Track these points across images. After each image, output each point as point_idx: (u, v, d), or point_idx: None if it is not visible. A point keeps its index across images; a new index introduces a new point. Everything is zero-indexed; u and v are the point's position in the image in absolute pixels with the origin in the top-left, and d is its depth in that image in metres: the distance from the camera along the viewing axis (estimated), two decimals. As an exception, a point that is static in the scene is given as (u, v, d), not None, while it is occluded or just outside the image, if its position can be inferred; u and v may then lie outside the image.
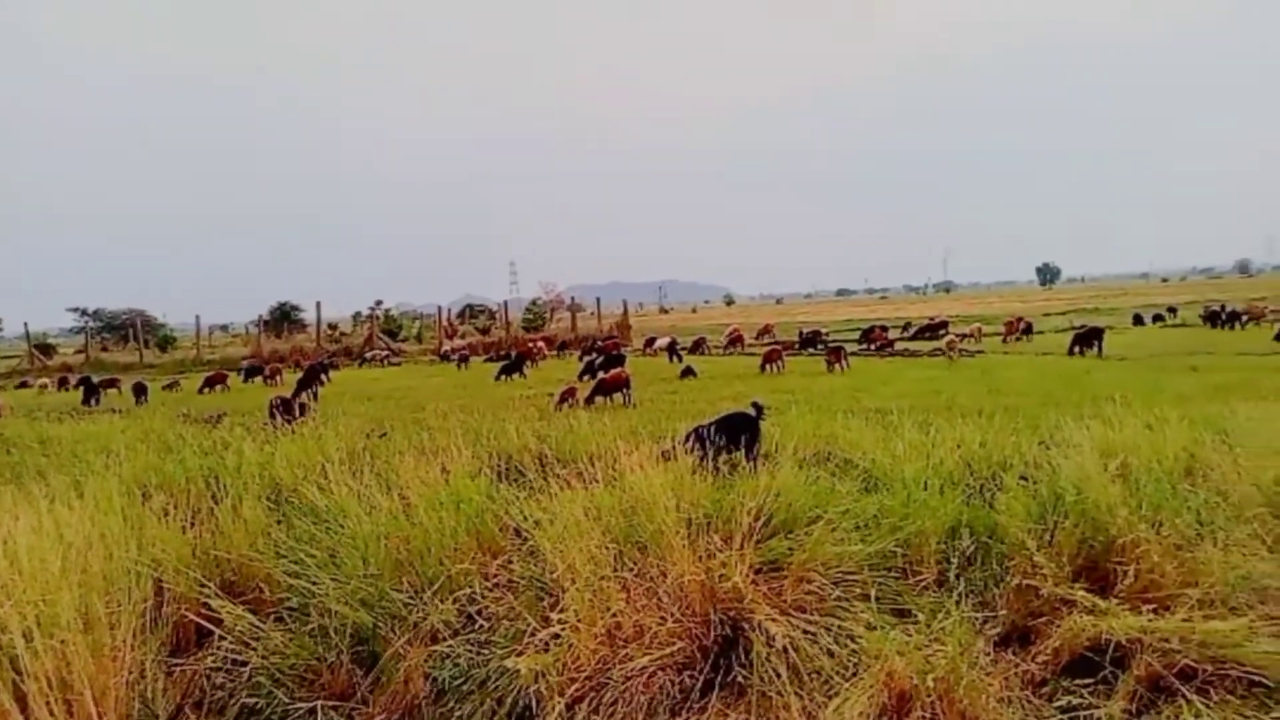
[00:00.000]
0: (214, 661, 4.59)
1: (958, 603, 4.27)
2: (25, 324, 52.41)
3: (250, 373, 28.66)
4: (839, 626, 4.32)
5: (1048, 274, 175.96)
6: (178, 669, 4.67)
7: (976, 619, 4.30)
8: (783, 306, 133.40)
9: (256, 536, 5.83)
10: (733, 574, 4.46)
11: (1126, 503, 4.82)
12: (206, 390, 24.07)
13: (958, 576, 4.66)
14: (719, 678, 4.26)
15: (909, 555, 5.05)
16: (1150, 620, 3.92)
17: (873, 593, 4.49)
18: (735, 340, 33.90)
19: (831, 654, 4.17)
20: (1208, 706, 3.59)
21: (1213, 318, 33.00)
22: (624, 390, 16.69)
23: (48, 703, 3.85)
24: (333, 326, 57.22)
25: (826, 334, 33.62)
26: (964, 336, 29.15)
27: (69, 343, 61.44)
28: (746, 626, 4.37)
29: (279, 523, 6.15)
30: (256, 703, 4.30)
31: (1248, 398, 11.04)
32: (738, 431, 7.92)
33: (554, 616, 4.27)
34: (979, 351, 26.21)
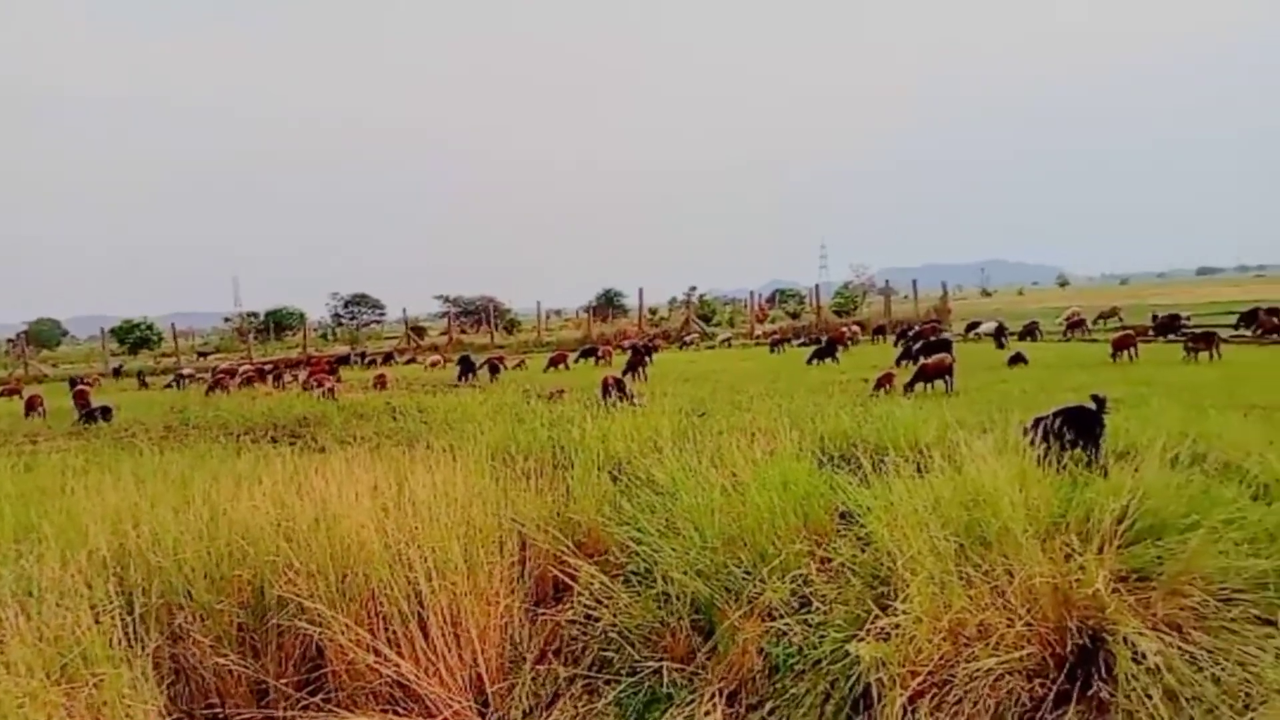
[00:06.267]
0: (571, 615, 5.08)
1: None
2: (404, 310, 61.32)
3: (585, 354, 31.18)
4: (1227, 650, 3.79)
5: None
6: (540, 618, 5.24)
7: None
8: (1129, 288, 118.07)
9: (601, 503, 6.35)
10: (1092, 580, 4.09)
11: None
12: (550, 369, 26.50)
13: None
14: (1075, 690, 3.93)
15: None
16: None
17: (1279, 617, 3.86)
18: (1075, 324, 30.71)
19: (1217, 680, 3.67)
20: None
21: None
22: (947, 377, 15.82)
23: (442, 633, 4.50)
24: (652, 311, 60.35)
25: (1187, 318, 29.33)
26: (1378, 321, 23.93)
27: (435, 325, 70.71)
28: (1109, 638, 3.98)
29: (621, 492, 6.64)
30: (609, 657, 4.70)
31: None
32: (1078, 427, 7.16)
33: (899, 606, 4.18)
34: (1401, 339, 21.42)
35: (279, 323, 74.57)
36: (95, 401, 19.83)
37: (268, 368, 31.00)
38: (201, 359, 50.39)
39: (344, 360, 37.80)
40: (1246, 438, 6.83)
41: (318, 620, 4.39)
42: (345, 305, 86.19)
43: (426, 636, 4.42)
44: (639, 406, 11.89)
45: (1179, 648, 3.85)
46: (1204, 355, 18.30)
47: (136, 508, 6.06)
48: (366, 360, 38.60)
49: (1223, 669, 3.71)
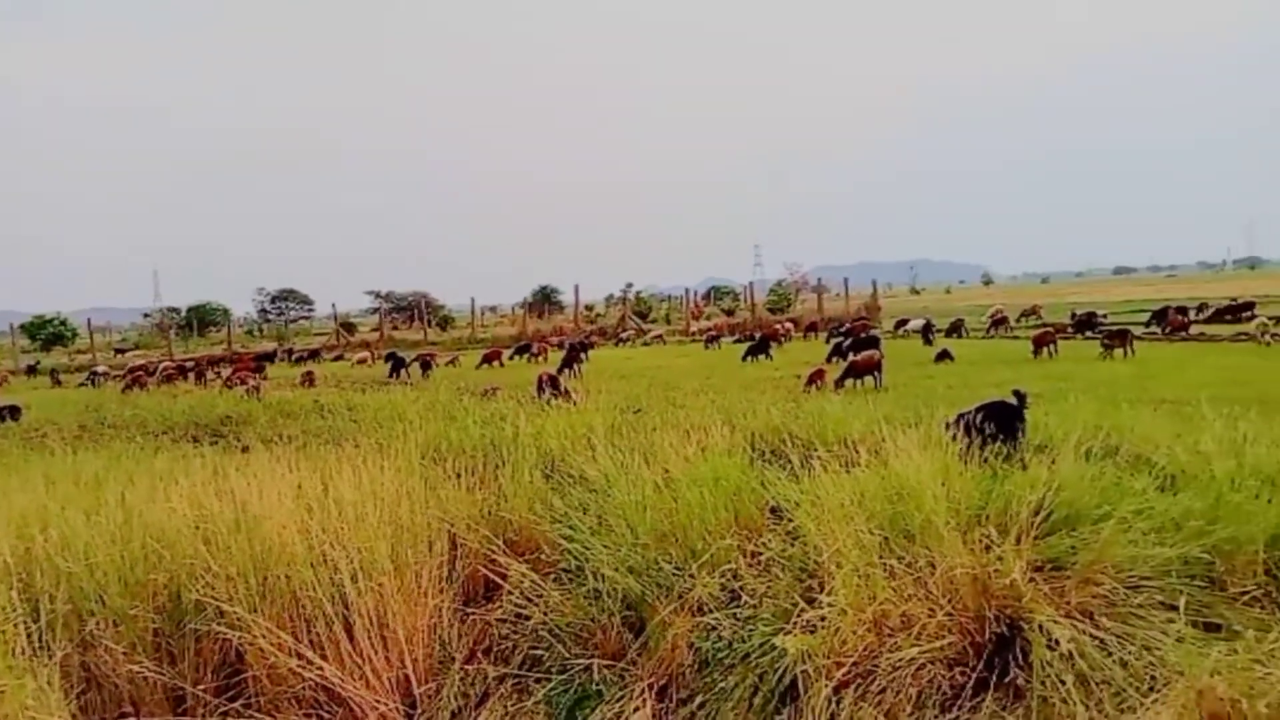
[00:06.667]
0: (501, 614, 5.04)
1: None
2: (333, 305, 59.85)
3: (520, 351, 30.91)
4: (1134, 635, 3.95)
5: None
6: (470, 617, 5.18)
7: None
8: (1049, 286, 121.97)
9: (534, 501, 6.30)
10: (1009, 570, 4.21)
11: None
12: (483, 366, 26.27)
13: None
14: (993, 677, 4.05)
15: (1220, 564, 4.50)
16: None
17: (1180, 602, 4.03)
18: (998, 322, 31.68)
19: (1125, 664, 3.82)
20: None
21: None
22: (875, 373, 16.15)
23: (368, 635, 4.41)
24: (589, 308, 60.23)
25: (1104, 316, 30.52)
26: (1277, 319, 25.23)
27: (366, 321, 69.30)
28: (1025, 626, 4.12)
29: (553, 490, 6.60)
30: (539, 655, 4.68)
31: None
32: (1001, 422, 7.37)
33: (823, 599, 4.25)
34: (1296, 337, 22.60)
35: (202, 319, 72.23)
36: (2, 400, 18.99)
37: (189, 365, 30.06)
38: (119, 356, 48.64)
39: (269, 357, 36.84)
40: (1156, 431, 7.12)
41: (237, 624, 4.27)
42: (272, 301, 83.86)
43: (351, 638, 4.34)
44: (574, 404, 11.86)
45: (1090, 634, 4.00)
46: (1119, 352, 19.04)
47: (45, 510, 5.80)
48: (294, 357, 37.73)
49: (1130, 653, 3.87)
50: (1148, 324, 27.07)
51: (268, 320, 79.95)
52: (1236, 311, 29.43)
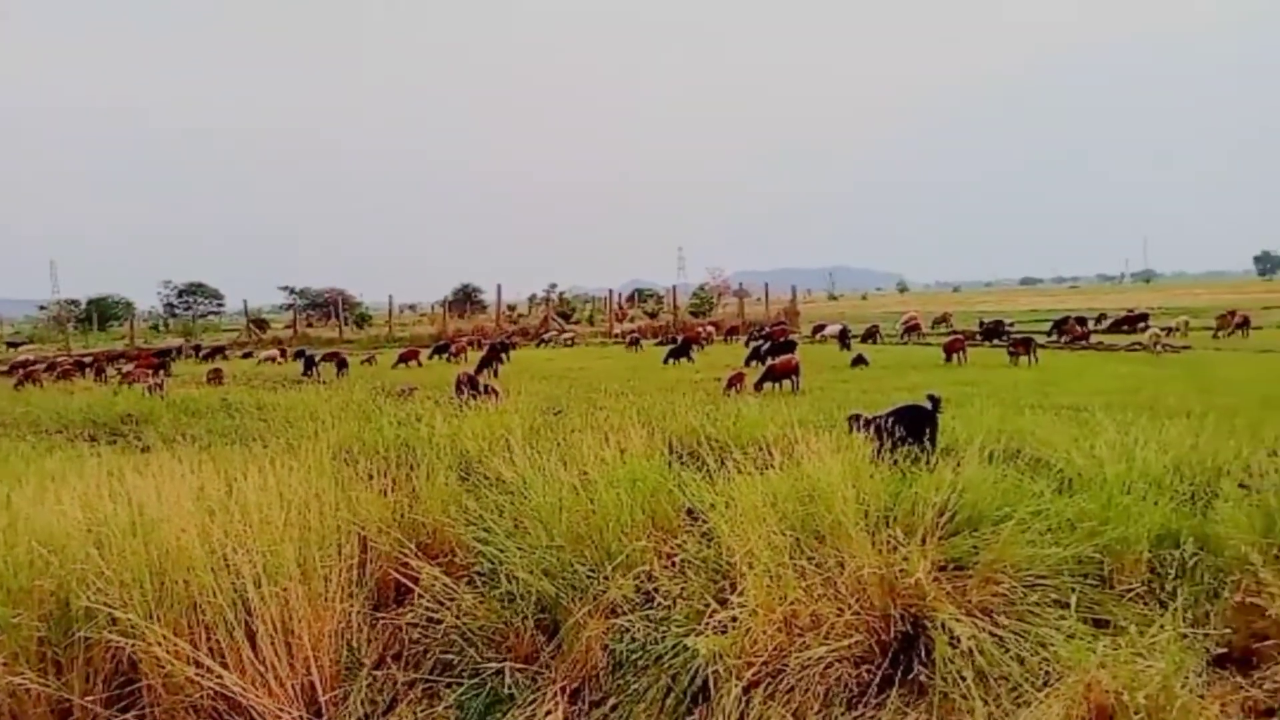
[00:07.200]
0: (412, 618, 4.95)
1: (1171, 616, 3.95)
2: (244, 301, 57.81)
3: (438, 350, 30.47)
4: (1030, 632, 4.11)
5: (1268, 263, 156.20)
6: (380, 622, 5.07)
7: (1189, 635, 3.96)
8: (960, 295, 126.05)
9: (449, 503, 6.21)
10: (915, 569, 4.33)
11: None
12: (400, 365, 25.79)
13: (1173, 590, 4.32)
14: (898, 675, 4.17)
15: (1109, 563, 4.73)
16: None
17: (1072, 600, 4.21)
18: (912, 329, 32.60)
19: (1021, 660, 3.98)
20: None
21: None
22: (793, 377, 16.45)
23: (272, 642, 4.28)
24: (511, 308, 59.72)
25: (1011, 324, 31.73)
26: (1169, 330, 26.67)
27: (279, 318, 67.32)
28: (928, 625, 4.25)
29: (468, 492, 6.51)
30: (451, 659, 4.61)
31: None
32: (913, 425, 7.60)
33: (735, 600, 4.31)
34: (1185, 347, 23.90)
35: (103, 312, 69.04)
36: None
37: (87, 360, 28.68)
38: (11, 350, 46.14)
39: (168, 353, 35.35)
40: (1055, 436, 7.42)
41: (131, 632, 4.08)
42: (179, 295, 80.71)
43: (254, 645, 4.19)
44: (497, 404, 11.74)
45: (990, 632, 4.14)
46: (1024, 359, 19.82)
47: (-81, 514, 5.45)
48: (200, 354, 36.40)
49: (1025, 649, 4.03)
50: (1049, 333, 28.24)
51: (174, 315, 76.96)
52: (1132, 322, 31.00)
